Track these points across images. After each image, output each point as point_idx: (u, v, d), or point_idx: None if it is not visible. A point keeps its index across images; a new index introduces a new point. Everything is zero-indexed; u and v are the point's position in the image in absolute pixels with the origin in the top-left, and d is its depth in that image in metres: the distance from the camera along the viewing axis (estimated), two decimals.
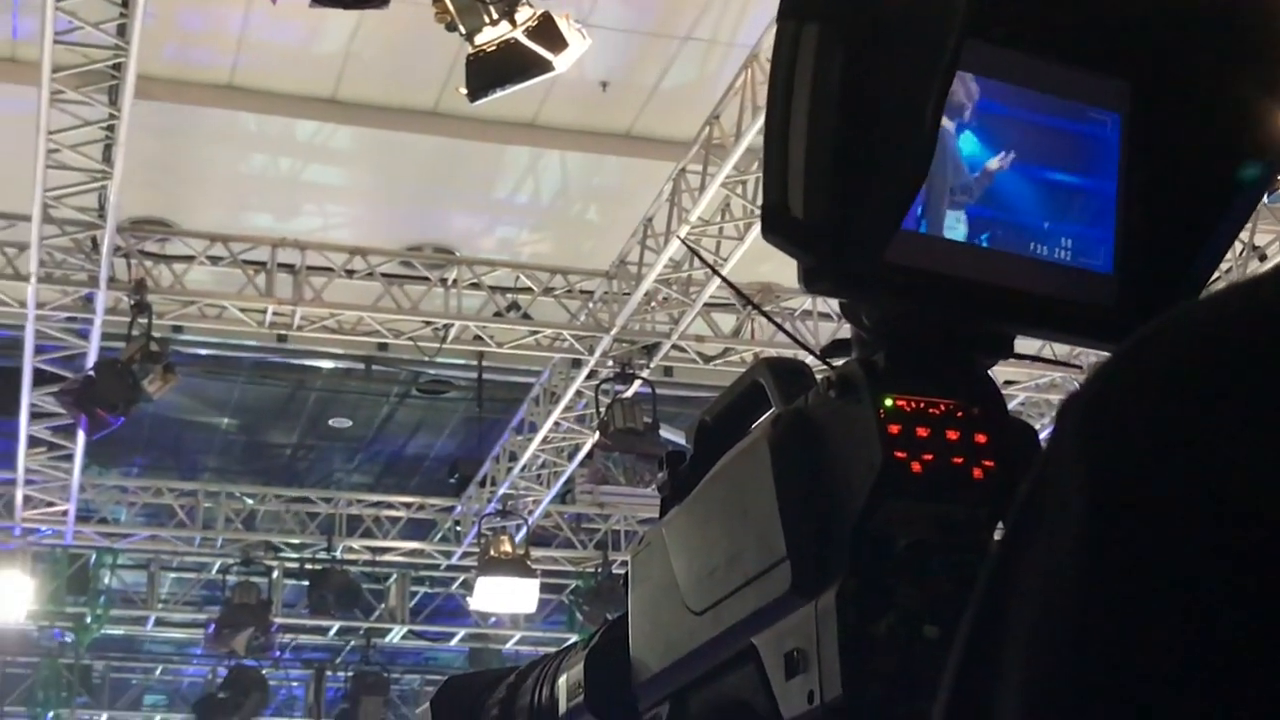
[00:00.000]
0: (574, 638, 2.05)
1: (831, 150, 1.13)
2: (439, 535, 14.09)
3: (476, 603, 13.11)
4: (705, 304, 10.58)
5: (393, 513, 14.02)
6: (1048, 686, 0.59)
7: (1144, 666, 0.56)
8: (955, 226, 1.22)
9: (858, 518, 1.16)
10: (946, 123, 1.19)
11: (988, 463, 1.18)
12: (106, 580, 14.34)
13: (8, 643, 15.14)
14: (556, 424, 11.94)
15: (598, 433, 11.13)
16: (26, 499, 12.50)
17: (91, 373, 10.20)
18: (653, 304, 10.68)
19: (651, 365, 11.05)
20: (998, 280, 1.22)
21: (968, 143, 1.22)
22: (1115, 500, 0.59)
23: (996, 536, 1.23)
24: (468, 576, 13.59)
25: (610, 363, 11.07)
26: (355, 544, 13.92)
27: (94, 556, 14.04)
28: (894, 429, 1.15)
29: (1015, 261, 1.24)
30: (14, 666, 15.87)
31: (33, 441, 11.64)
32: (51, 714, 15.92)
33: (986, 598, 0.64)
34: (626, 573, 1.48)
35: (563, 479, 12.79)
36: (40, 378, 10.80)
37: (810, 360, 1.37)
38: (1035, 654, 0.60)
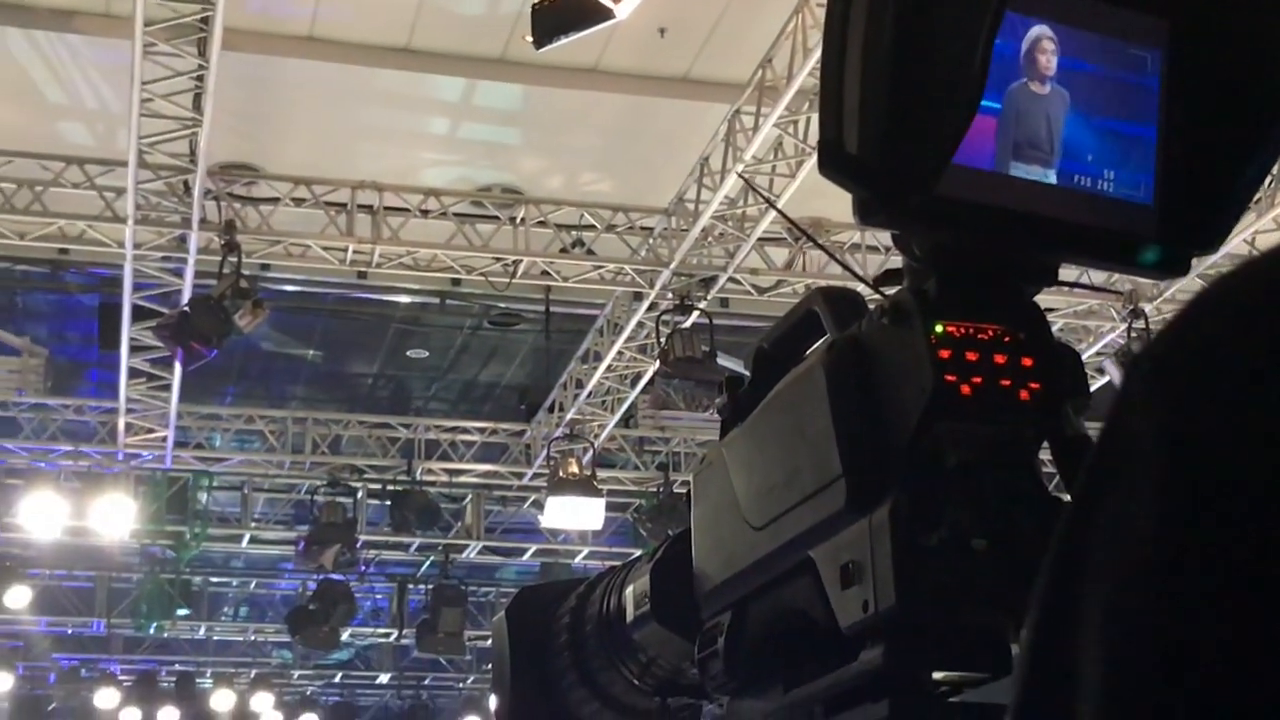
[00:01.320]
0: (638, 552, 2.05)
1: (885, 88, 1.12)
2: (511, 458, 14.15)
3: (547, 520, 13.20)
4: (759, 239, 10.53)
5: (468, 437, 14.09)
6: (1127, 637, 0.58)
7: (1221, 616, 0.55)
8: (1003, 161, 1.21)
9: (910, 438, 1.15)
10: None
11: (1034, 385, 1.17)
12: (203, 501, 14.51)
13: (114, 559, 15.37)
14: (620, 353, 11.96)
15: (658, 361, 11.13)
16: (128, 426, 12.64)
17: (186, 308, 10.28)
18: (709, 239, 10.64)
19: (709, 297, 11.03)
20: (1043, 211, 1.21)
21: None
22: (1189, 453, 0.58)
23: (1042, 455, 1.22)
24: (538, 496, 13.66)
25: (670, 295, 11.05)
26: (433, 466, 14.02)
27: (191, 479, 14.20)
28: (944, 354, 1.15)
29: (1060, 193, 1.22)
30: (120, 581, 16.13)
31: (133, 373, 11.76)
32: (155, 624, 16.17)
33: (1065, 548, 0.63)
34: (689, 490, 1.48)
35: (626, 404, 12.82)
36: (139, 313, 10.90)
37: (863, 289, 1.36)
38: (1115, 606, 0.59)
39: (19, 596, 14.37)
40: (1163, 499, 0.58)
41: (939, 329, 1.15)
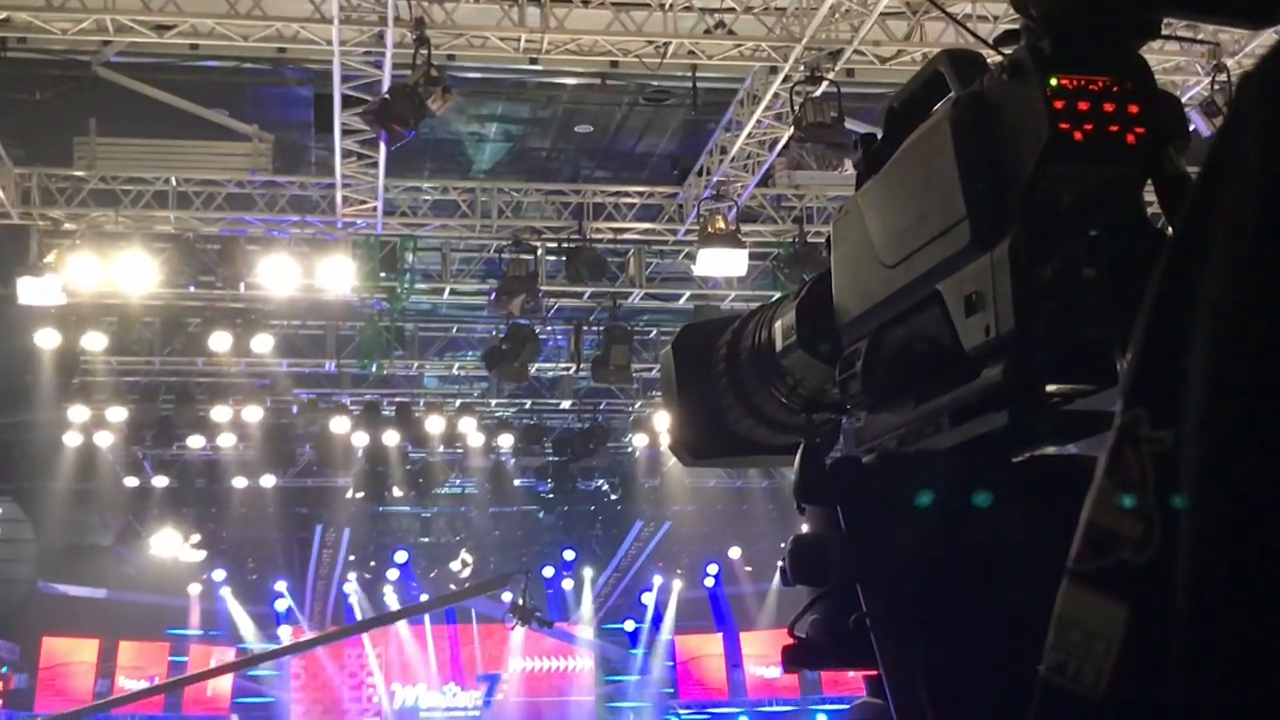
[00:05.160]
0: (777, 294, 2.04)
1: None
2: (666, 216, 14.14)
3: (698, 269, 13.25)
4: (881, 13, 10.21)
5: (629, 200, 14.09)
6: (1236, 306, 0.56)
7: None
8: None
9: (1027, 181, 1.13)
10: None
11: (1139, 129, 1.13)
12: (410, 260, 14.74)
13: (339, 310, 15.77)
14: (758, 121, 11.79)
15: (793, 127, 10.97)
16: (345, 199, 12.84)
17: (387, 96, 10.32)
18: (836, 15, 10.35)
19: (836, 68, 10.77)
20: None
21: None
22: None
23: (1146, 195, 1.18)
24: (690, 248, 13.67)
25: (802, 68, 10.82)
26: (600, 226, 14.07)
27: (399, 242, 14.42)
28: (1058, 104, 1.11)
29: None
30: (344, 330, 16.56)
31: (345, 153, 11.89)
32: (375, 364, 16.64)
33: (1182, 238, 0.61)
34: (829, 236, 1.47)
35: (765, 166, 12.69)
36: (347, 102, 10.97)
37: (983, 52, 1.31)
38: (1225, 278, 0.57)
39: (263, 343, 14.87)
40: (1268, 188, 0.56)
41: (1054, 82, 1.12)
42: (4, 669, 22.04)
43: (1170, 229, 1.05)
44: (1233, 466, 0.56)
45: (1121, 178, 1.14)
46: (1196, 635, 0.59)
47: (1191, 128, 11.04)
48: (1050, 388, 1.17)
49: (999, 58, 1.19)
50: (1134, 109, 1.13)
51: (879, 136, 1.38)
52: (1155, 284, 0.62)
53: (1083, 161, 1.12)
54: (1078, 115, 1.11)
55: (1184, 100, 11.07)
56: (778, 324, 1.58)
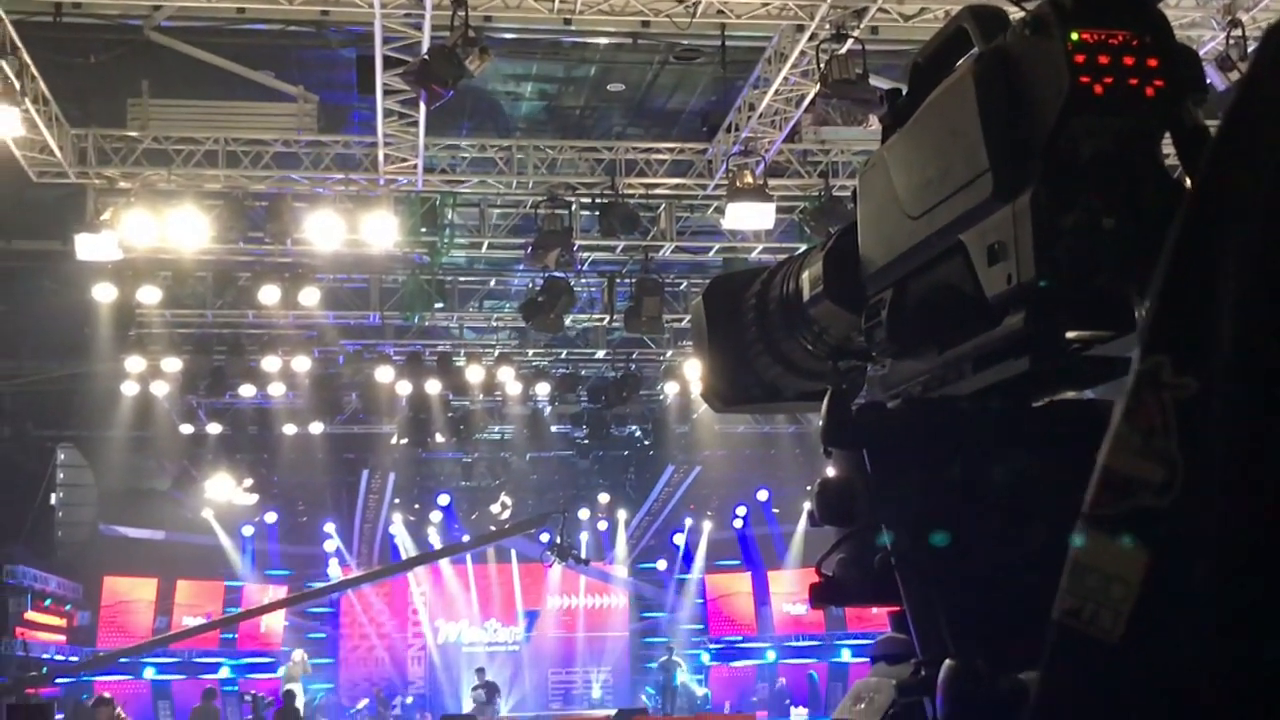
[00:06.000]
0: (804, 247, 2.04)
1: None
2: (696, 172, 14.07)
3: (727, 223, 13.19)
4: None
5: (660, 156, 14.02)
6: (1267, 257, 0.56)
7: None
8: None
9: (1049, 133, 1.12)
10: None
11: (1158, 82, 1.12)
12: (449, 216, 14.73)
13: (382, 264, 15.80)
14: (785, 79, 11.69)
15: (819, 83, 10.88)
16: (386, 157, 12.83)
17: (426, 57, 10.28)
18: None
19: (861, 26, 10.66)
20: None
21: None
22: None
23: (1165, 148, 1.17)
24: (720, 203, 13.61)
25: (828, 25, 10.71)
26: (632, 181, 14.02)
27: (439, 198, 14.41)
28: (1079, 58, 1.10)
29: None
30: (387, 282, 16.58)
31: (387, 112, 11.86)
32: (417, 315, 16.67)
33: (1204, 189, 0.60)
34: (855, 189, 1.46)
35: (792, 123, 12.60)
36: (388, 63, 10.93)
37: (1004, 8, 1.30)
38: (1256, 229, 0.56)
39: (310, 296, 14.92)
40: None
41: (1074, 36, 1.10)
42: (68, 607, 22.36)
43: (1188, 180, 1.04)
44: (1264, 413, 0.56)
45: (1141, 130, 1.13)
46: (1227, 586, 0.58)
47: (1206, 81, 10.97)
48: (1070, 334, 1.17)
49: (1021, 13, 1.18)
50: (1153, 63, 1.12)
51: (904, 92, 1.37)
52: (1175, 233, 0.61)
53: (1103, 114, 1.11)
54: (1098, 69, 1.10)
55: (1200, 54, 10.91)
56: (805, 275, 1.58)
